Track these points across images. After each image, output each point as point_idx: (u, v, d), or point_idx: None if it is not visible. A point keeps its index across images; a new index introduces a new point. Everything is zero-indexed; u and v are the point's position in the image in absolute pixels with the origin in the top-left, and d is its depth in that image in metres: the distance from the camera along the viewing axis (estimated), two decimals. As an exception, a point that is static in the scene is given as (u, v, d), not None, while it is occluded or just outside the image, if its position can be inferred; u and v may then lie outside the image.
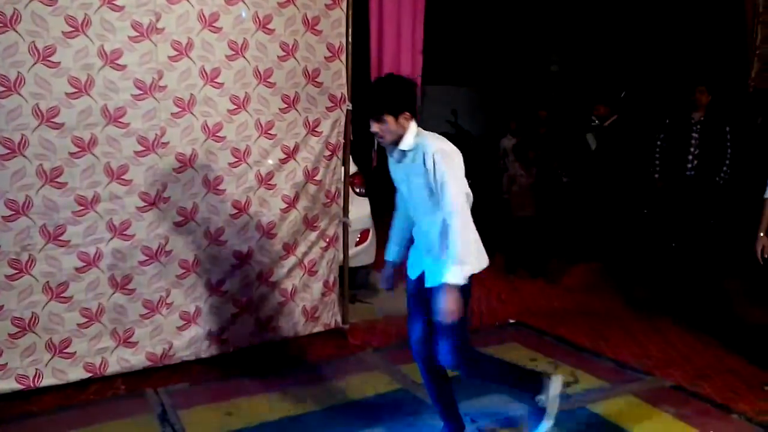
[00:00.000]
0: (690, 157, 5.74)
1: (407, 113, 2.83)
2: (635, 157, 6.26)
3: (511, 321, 5.09)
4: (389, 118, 2.81)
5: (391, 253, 3.22)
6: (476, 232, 2.85)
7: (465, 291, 2.84)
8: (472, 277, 2.87)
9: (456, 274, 2.73)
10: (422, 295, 2.98)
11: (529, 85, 8.51)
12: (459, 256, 2.73)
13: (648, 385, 3.97)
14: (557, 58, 8.56)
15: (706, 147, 5.68)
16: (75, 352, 3.69)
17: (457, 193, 2.77)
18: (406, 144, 2.85)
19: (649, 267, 6.18)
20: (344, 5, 4.27)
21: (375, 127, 2.85)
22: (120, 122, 3.63)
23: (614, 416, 3.57)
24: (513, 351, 4.46)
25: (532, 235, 6.48)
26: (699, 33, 7.49)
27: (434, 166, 2.76)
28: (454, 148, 2.88)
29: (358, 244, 5.13)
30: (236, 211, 4.09)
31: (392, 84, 2.86)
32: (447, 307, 2.75)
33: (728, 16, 6.85)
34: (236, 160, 4.06)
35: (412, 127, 2.86)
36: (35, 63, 3.38)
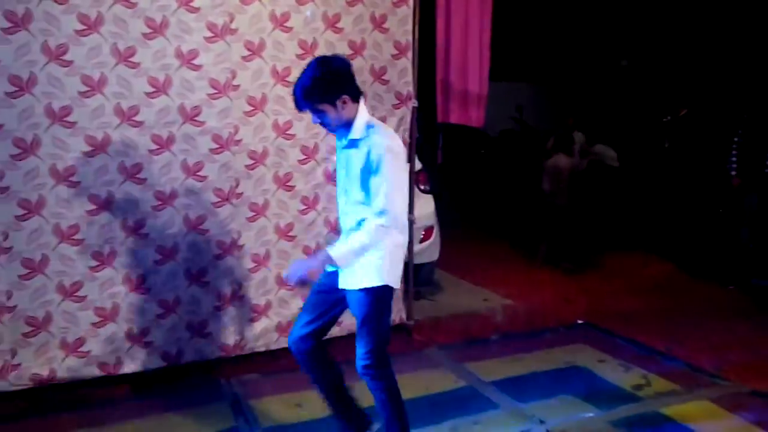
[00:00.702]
0: (770, 154, 5.50)
1: (345, 97, 2.64)
2: (709, 153, 6.03)
3: (579, 322, 4.99)
4: (325, 107, 2.64)
5: None
6: (391, 252, 2.72)
7: (385, 299, 2.80)
8: (391, 290, 2.80)
9: (340, 256, 2.63)
10: (332, 293, 2.87)
11: (597, 81, 8.32)
12: (353, 250, 2.62)
13: (725, 390, 3.83)
14: (627, 52, 8.32)
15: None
16: (152, 341, 3.84)
17: (394, 199, 2.63)
18: (357, 132, 2.68)
19: (725, 267, 5.94)
20: (411, 3, 4.28)
21: (314, 119, 2.71)
22: (196, 120, 3.75)
23: (689, 421, 3.46)
24: (581, 352, 4.38)
25: (570, 224, 6.45)
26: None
27: (379, 165, 2.60)
28: (404, 149, 2.77)
29: (422, 241, 5.13)
30: (305, 207, 4.17)
31: (320, 70, 2.61)
32: (300, 267, 2.67)
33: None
34: (305, 157, 4.13)
35: (362, 112, 2.70)
36: (116, 64, 3.54)
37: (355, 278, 2.77)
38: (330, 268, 2.82)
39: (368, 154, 2.63)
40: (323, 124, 2.73)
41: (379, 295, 2.79)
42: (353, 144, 2.71)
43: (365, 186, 2.67)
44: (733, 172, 5.74)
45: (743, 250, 5.80)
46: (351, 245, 2.65)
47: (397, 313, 4.62)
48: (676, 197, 6.39)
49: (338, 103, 2.64)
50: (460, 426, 3.42)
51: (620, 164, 6.91)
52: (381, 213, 2.61)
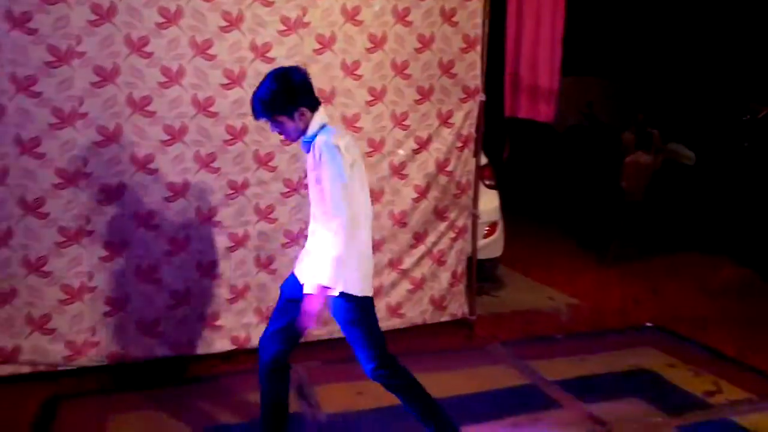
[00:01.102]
0: None
1: (303, 108, 2.66)
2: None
3: (648, 324, 4.85)
4: (283, 119, 2.66)
5: None
6: (358, 253, 2.68)
7: (368, 305, 2.78)
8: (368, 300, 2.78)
9: (328, 279, 2.61)
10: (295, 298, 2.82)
11: (671, 77, 8.03)
12: (333, 268, 2.60)
13: (804, 401, 3.65)
14: (702, 48, 7.98)
15: None
16: (223, 325, 3.97)
17: (339, 197, 2.58)
18: (308, 136, 2.70)
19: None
20: (482, -5, 4.26)
21: (273, 128, 2.73)
22: (267, 111, 3.85)
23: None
24: (649, 356, 4.26)
25: (644, 222, 6.41)
26: None
27: (321, 163, 2.60)
28: (347, 144, 2.71)
29: (486, 236, 5.10)
30: (370, 199, 4.19)
31: (277, 84, 2.63)
32: (306, 309, 2.67)
33: None
34: (372, 150, 4.17)
35: (316, 118, 2.70)
36: (194, 56, 3.66)
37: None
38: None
39: (315, 155, 2.65)
40: (282, 133, 2.75)
41: (358, 300, 2.76)
42: (306, 147, 2.74)
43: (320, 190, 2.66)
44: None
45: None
46: (328, 264, 2.61)
47: (459, 308, 4.61)
48: (754, 199, 6.10)
49: (296, 114, 2.66)
50: (522, 423, 3.40)
51: (697, 163, 6.66)
52: (335, 216, 2.59)
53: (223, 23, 3.68)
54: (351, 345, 2.86)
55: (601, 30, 8.13)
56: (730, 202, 6.52)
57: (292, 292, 2.86)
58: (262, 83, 2.69)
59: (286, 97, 2.64)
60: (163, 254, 3.78)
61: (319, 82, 3.92)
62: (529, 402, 3.62)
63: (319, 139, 2.67)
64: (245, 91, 3.77)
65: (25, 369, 3.62)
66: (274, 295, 4.00)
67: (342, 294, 2.72)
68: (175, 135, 3.69)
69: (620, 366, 4.11)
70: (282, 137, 2.86)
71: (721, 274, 6.07)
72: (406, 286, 4.41)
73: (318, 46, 3.92)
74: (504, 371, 4.01)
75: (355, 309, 2.77)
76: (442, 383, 3.76)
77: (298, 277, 2.87)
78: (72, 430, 3.29)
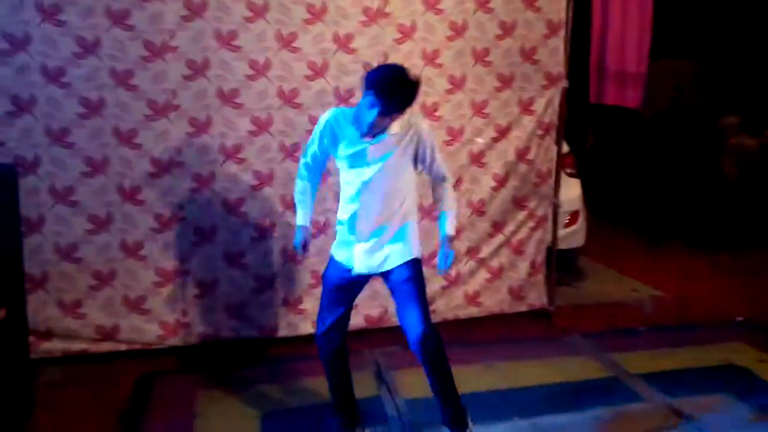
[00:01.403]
0: None
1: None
2: None
3: (739, 319, 4.64)
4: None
5: (307, 219, 3.10)
6: None
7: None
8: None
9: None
10: (358, 284, 2.95)
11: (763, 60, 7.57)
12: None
13: None
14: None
15: None
16: (306, 308, 4.09)
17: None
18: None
19: None
20: (566, -21, 4.16)
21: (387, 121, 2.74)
22: (350, 103, 3.90)
23: None
24: (739, 351, 4.09)
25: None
26: None
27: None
28: None
29: (567, 225, 5.01)
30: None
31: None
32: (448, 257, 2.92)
33: None
34: (451, 138, 4.17)
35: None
36: (280, 49, 3.77)
37: (406, 250, 2.88)
38: (347, 263, 2.91)
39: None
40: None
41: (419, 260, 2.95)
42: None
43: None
44: None
45: None
46: (455, 214, 3.00)
47: (538, 298, 4.56)
48: None
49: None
50: (604, 416, 3.34)
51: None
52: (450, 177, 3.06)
53: (307, 16, 3.77)
54: (404, 308, 2.88)
55: (691, 11, 7.75)
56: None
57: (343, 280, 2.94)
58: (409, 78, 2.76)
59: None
60: (250, 240, 3.94)
61: (400, 72, 3.97)
62: (611, 395, 3.55)
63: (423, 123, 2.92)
64: (327, 83, 3.86)
65: (123, 347, 3.85)
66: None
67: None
68: (261, 126, 3.82)
69: (708, 361, 3.96)
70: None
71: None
72: (483, 275, 4.41)
73: (399, 36, 3.94)
74: (585, 363, 3.94)
75: (417, 267, 2.91)
76: (519, 372, 3.77)
77: (376, 269, 2.90)
78: (164, 405, 3.48)
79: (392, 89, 2.65)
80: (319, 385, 3.60)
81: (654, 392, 3.57)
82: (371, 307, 4.19)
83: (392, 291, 2.96)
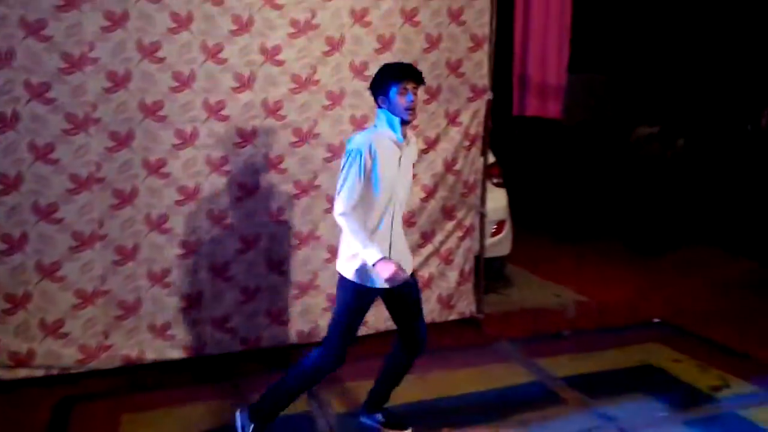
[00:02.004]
0: None
1: None
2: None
3: (655, 320, 4.89)
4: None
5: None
6: None
7: None
8: None
9: None
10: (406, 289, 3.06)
11: (677, 75, 8.04)
12: None
13: (809, 395, 3.70)
14: (709, 47, 8.00)
15: None
16: (234, 326, 4.01)
17: None
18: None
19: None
20: (489, -6, 4.27)
21: (416, 96, 2.91)
22: (278, 115, 3.88)
23: (769, 425, 3.37)
24: (656, 351, 4.31)
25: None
26: None
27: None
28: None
29: (494, 234, 5.13)
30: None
31: None
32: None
33: None
34: (381, 150, 4.20)
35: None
36: (205, 60, 3.69)
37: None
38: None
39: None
40: (414, 106, 2.92)
41: None
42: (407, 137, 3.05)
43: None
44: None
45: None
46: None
47: (467, 306, 4.66)
48: (758, 192, 6.13)
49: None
50: (529, 420, 3.45)
51: (705, 157, 6.75)
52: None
53: (234, 27, 3.71)
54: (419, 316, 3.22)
55: (607, 27, 8.14)
56: (736, 195, 6.54)
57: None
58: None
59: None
60: (175, 258, 3.82)
61: (328, 84, 3.98)
62: (536, 399, 3.67)
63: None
64: (255, 94, 3.81)
65: (39, 372, 3.66)
66: (284, 296, 4.08)
67: None
68: (186, 139, 3.73)
69: (627, 362, 4.16)
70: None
71: (728, 269, 6.10)
72: (455, 278, 4.48)
73: (327, 48, 3.94)
74: (512, 369, 4.05)
75: None
76: (450, 381, 3.83)
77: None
78: (85, 430, 3.34)
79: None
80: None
81: (577, 395, 3.71)
82: (303, 322, 4.17)
83: (403, 299, 3.10)
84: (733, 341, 4.44)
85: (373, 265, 2.81)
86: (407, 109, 2.88)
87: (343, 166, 2.88)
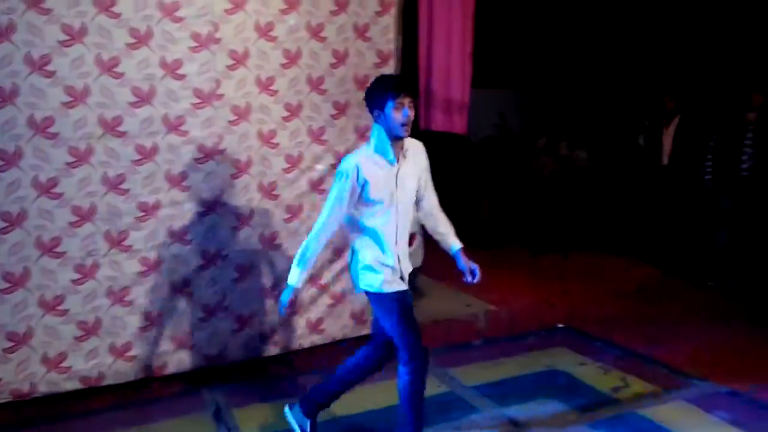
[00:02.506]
0: (745, 158, 5.67)
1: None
2: (687, 158, 6.16)
3: (560, 325, 5.07)
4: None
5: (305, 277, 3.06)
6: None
7: None
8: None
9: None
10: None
11: (579, 88, 8.45)
12: None
13: (701, 390, 3.92)
14: (609, 60, 8.46)
15: (761, 147, 5.60)
16: (135, 355, 3.83)
17: None
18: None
19: (702, 270, 6.07)
20: (393, 11, 4.32)
21: (412, 111, 2.86)
22: (180, 130, 3.76)
23: (666, 422, 3.54)
24: (561, 356, 4.46)
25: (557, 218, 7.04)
26: (753, 34, 7.31)
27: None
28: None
29: (405, 247, 5.16)
30: (289, 215, 4.19)
31: None
32: None
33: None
34: (290, 166, 4.15)
35: None
36: (101, 74, 3.53)
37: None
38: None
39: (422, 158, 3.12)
40: (409, 121, 2.87)
41: None
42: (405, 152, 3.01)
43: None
44: (708, 176, 5.87)
45: (719, 252, 5.93)
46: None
47: (381, 319, 4.66)
48: (655, 201, 6.52)
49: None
50: (443, 430, 3.47)
51: (601, 168, 7.11)
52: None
53: (131, 40, 3.57)
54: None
55: (514, 43, 8.45)
56: (635, 204, 6.92)
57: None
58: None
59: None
60: (70, 283, 3.61)
61: (233, 99, 3.90)
62: (448, 409, 3.70)
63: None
64: (155, 109, 3.68)
65: None
66: (190, 319, 3.93)
67: None
68: (80, 157, 3.54)
69: (535, 367, 4.27)
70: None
71: (628, 274, 6.43)
72: (326, 301, 4.42)
73: (231, 62, 3.86)
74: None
75: None
76: (364, 396, 3.79)
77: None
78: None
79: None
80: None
81: (488, 402, 3.78)
82: (210, 345, 4.03)
83: None
84: (632, 343, 4.66)
85: (287, 284, 2.93)
86: (403, 124, 2.83)
87: (332, 188, 2.93)
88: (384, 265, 2.96)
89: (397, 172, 2.94)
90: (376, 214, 2.93)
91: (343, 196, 2.86)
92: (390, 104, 2.82)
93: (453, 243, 3.19)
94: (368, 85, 2.99)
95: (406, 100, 2.83)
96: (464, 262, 3.17)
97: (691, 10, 7.62)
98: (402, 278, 3.03)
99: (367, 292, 3.02)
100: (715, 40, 7.58)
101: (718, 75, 7.33)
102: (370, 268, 2.96)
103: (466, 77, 4.74)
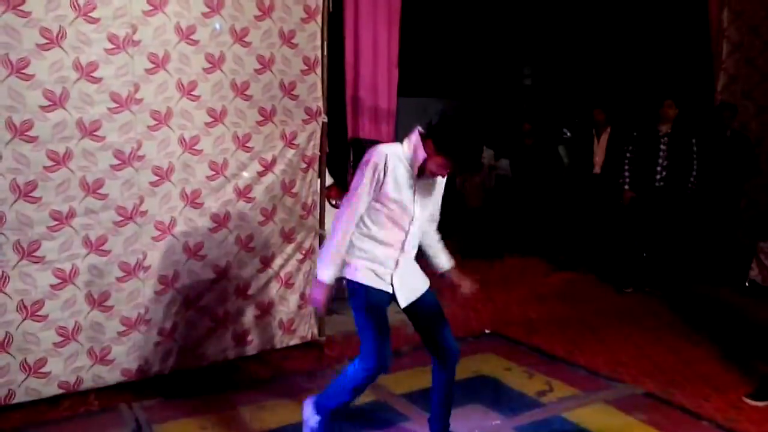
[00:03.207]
0: (659, 169, 5.91)
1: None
2: (606, 169, 6.41)
3: (487, 331, 5.15)
4: None
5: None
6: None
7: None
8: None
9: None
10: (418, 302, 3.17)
11: (502, 98, 8.66)
12: None
13: (620, 392, 4.06)
14: (530, 71, 8.74)
15: (674, 159, 5.86)
16: (50, 371, 3.63)
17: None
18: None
19: (621, 276, 6.31)
20: (319, 19, 4.29)
21: (446, 175, 2.99)
22: (95, 135, 3.58)
23: (587, 424, 3.64)
24: (488, 361, 4.52)
25: (483, 223, 7.32)
26: (666, 48, 7.70)
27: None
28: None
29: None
30: (215, 224, 4.08)
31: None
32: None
33: (694, 32, 7.06)
34: (214, 173, 4.04)
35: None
36: (9, 75, 3.34)
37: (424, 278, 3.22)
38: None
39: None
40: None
41: None
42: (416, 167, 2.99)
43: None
44: (626, 186, 6.11)
45: (638, 259, 6.18)
46: None
47: (308, 330, 4.60)
48: (577, 209, 6.75)
49: None
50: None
51: (521, 177, 7.31)
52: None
53: (42, 40, 3.39)
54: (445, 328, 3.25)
55: (440, 51, 8.59)
56: (557, 212, 7.14)
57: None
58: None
59: None
60: (-24, 295, 3.39)
61: (153, 104, 3.76)
62: (378, 418, 3.69)
63: None
64: (68, 113, 3.50)
65: None
66: (110, 334, 3.76)
67: None
68: (-14, 162, 3.33)
69: (463, 373, 4.26)
70: None
71: (549, 279, 6.62)
72: (253, 312, 4.32)
73: (150, 66, 3.73)
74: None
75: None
76: (293, 408, 3.73)
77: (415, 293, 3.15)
78: None
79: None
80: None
81: (416, 410, 3.78)
82: (129, 360, 3.86)
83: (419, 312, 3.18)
84: (556, 347, 4.79)
85: (316, 278, 2.97)
86: (432, 174, 2.94)
87: (356, 173, 2.92)
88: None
89: (415, 181, 2.96)
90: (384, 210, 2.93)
91: (370, 182, 2.86)
92: (441, 159, 2.86)
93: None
94: (451, 120, 2.92)
95: (450, 169, 2.91)
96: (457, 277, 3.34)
97: (607, 24, 7.96)
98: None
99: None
100: (631, 54, 7.95)
101: (634, 88, 7.68)
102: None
103: (392, 86, 4.76)
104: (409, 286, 3.11)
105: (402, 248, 3.02)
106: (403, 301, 3.10)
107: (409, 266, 3.10)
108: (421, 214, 3.02)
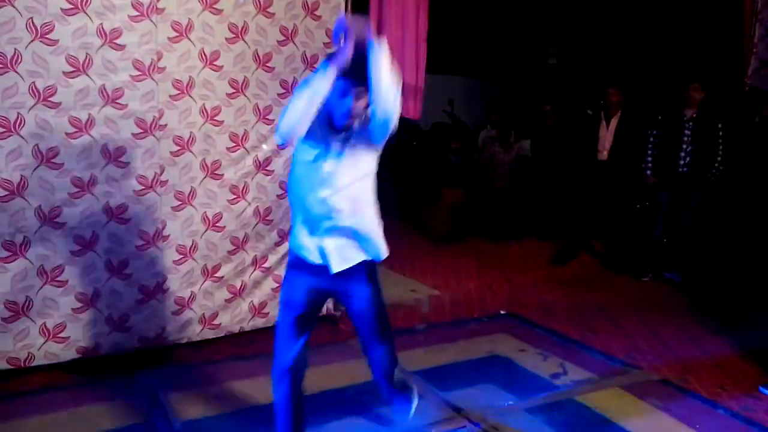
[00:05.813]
0: (682, 154, 5.80)
1: None
2: (629, 152, 6.30)
3: (503, 312, 5.13)
4: None
5: None
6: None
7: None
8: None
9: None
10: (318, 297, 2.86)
11: (526, 77, 8.52)
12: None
13: (635, 378, 4.03)
14: (555, 50, 8.59)
15: (699, 144, 5.74)
16: (69, 336, 3.67)
17: None
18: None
19: (640, 261, 6.24)
20: (344, -8, 4.24)
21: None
22: (118, 103, 3.59)
23: (601, 408, 3.62)
24: (502, 342, 4.51)
25: (509, 203, 7.25)
26: (696, 30, 7.52)
27: None
28: None
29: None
30: (234, 196, 4.08)
31: None
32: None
33: (726, 14, 6.87)
34: (234, 144, 4.03)
35: None
36: (33, 40, 3.33)
37: (368, 247, 2.78)
38: (315, 259, 2.69)
39: None
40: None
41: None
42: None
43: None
44: (648, 171, 6.01)
45: (657, 245, 6.10)
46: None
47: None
48: (596, 193, 6.65)
49: None
50: (385, 415, 3.46)
51: (542, 158, 7.23)
52: None
53: (67, 5, 3.37)
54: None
55: (465, 29, 8.46)
56: (577, 195, 7.06)
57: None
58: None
59: None
60: (0, 260, 3.43)
61: (175, 72, 3.74)
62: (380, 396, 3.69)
63: None
64: (92, 80, 3.50)
65: None
66: (127, 301, 3.80)
67: None
68: (9, 127, 3.34)
69: (476, 353, 4.31)
70: None
71: (567, 264, 6.56)
72: (270, 284, 4.33)
73: (174, 34, 3.71)
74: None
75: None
76: (309, 379, 3.75)
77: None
78: None
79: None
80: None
81: (429, 387, 3.78)
82: (147, 328, 3.90)
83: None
84: (571, 330, 4.77)
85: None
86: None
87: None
88: None
89: None
90: None
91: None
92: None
93: None
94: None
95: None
96: None
97: (635, 3, 7.78)
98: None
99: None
100: (659, 36, 7.77)
101: (661, 70, 7.52)
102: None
103: (420, 61, 4.68)
104: None
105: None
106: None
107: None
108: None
